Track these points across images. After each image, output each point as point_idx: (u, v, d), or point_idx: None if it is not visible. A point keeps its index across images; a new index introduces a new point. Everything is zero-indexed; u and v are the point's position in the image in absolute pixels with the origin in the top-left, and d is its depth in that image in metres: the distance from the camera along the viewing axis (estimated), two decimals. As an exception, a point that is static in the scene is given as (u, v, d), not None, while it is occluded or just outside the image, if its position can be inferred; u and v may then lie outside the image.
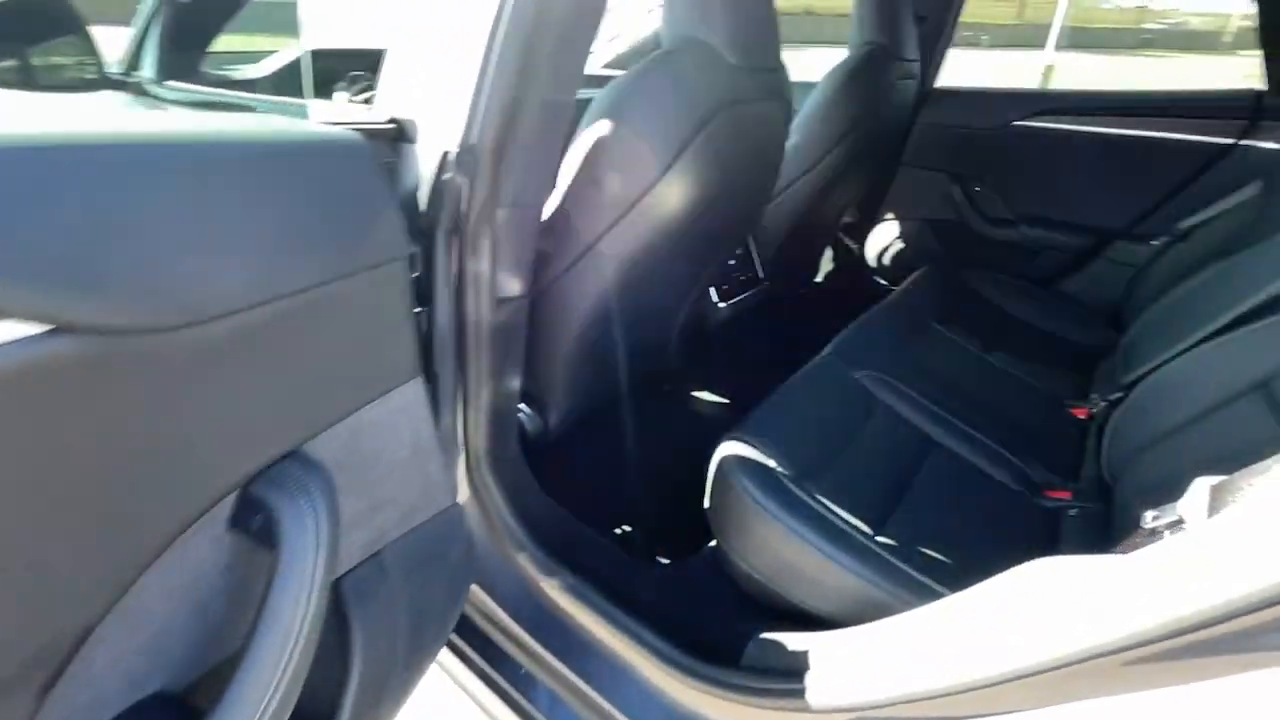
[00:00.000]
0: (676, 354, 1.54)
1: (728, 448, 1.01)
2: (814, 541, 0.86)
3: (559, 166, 0.86)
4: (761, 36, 0.98)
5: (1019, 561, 0.96)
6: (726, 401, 1.72)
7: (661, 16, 0.97)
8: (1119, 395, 1.05)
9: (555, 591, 0.96)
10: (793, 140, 1.52)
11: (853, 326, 1.46)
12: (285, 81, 2.08)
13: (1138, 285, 1.63)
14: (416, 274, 0.75)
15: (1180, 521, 0.59)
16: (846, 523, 0.92)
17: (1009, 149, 1.87)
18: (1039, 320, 1.72)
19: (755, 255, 1.67)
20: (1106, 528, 0.99)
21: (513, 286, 0.88)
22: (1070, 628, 0.53)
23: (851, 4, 1.62)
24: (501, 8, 0.69)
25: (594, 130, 0.90)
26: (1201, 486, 0.60)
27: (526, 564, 0.97)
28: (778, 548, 0.88)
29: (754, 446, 1.01)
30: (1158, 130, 1.66)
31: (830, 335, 2.06)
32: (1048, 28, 14.57)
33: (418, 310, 0.76)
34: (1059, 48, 14.04)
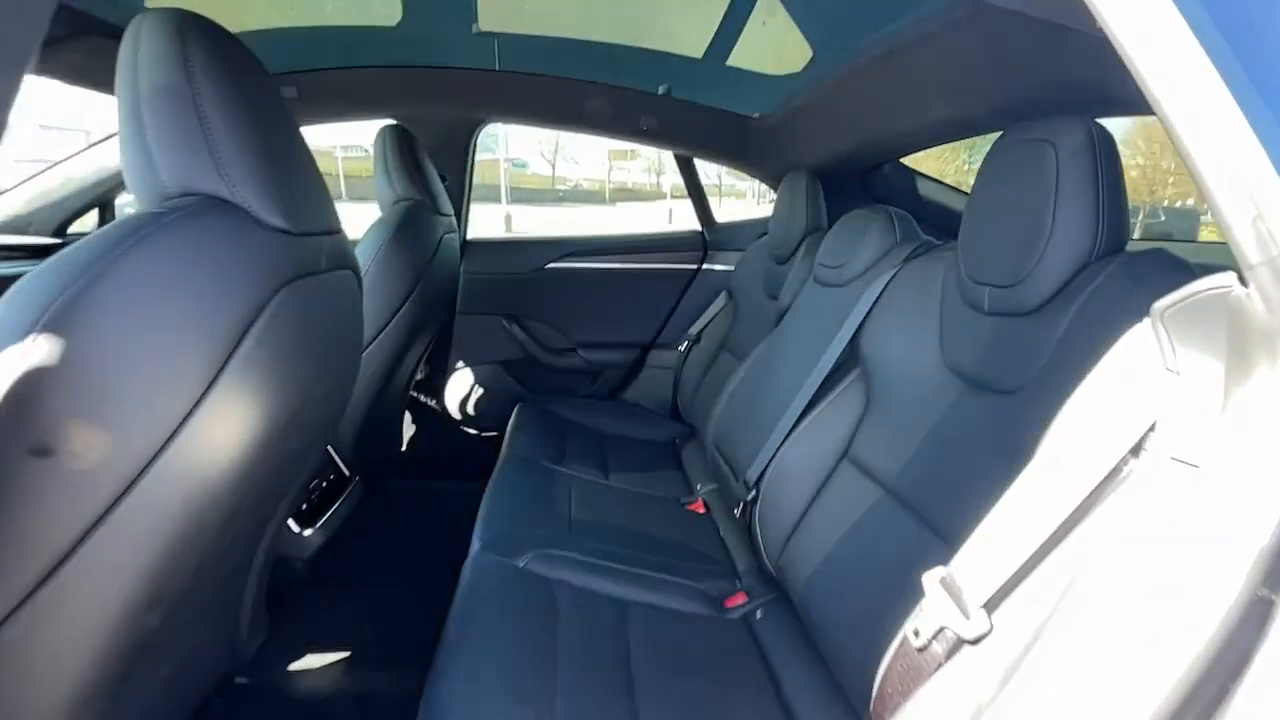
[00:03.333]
0: (252, 634, 1.03)
1: None
2: None
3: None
4: (310, 193, 0.72)
5: (756, 691, 0.91)
6: (345, 655, 1.25)
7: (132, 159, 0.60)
8: (752, 494, 1.15)
9: None
10: None
11: (485, 505, 1.26)
12: None
13: (682, 381, 1.94)
14: None
15: (944, 629, 0.61)
16: None
17: (549, 288, 2.03)
18: (626, 430, 1.87)
19: (334, 453, 1.29)
20: (792, 618, 1.04)
21: None
22: None
23: (374, 166, 1.50)
24: None
25: (32, 350, 0.47)
26: (932, 582, 0.64)
27: None
28: None
29: None
30: (651, 263, 2.07)
31: (443, 511, 1.79)
32: (497, 188, 19.57)
33: None
34: (510, 201, 18.98)
